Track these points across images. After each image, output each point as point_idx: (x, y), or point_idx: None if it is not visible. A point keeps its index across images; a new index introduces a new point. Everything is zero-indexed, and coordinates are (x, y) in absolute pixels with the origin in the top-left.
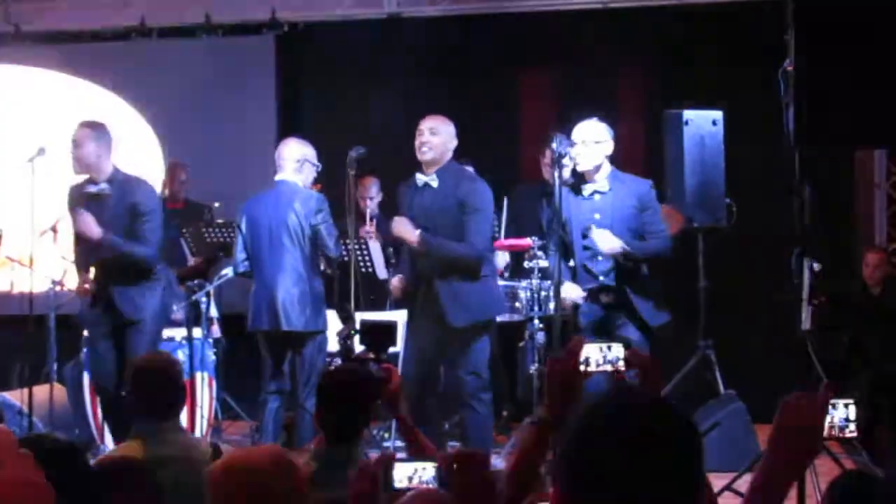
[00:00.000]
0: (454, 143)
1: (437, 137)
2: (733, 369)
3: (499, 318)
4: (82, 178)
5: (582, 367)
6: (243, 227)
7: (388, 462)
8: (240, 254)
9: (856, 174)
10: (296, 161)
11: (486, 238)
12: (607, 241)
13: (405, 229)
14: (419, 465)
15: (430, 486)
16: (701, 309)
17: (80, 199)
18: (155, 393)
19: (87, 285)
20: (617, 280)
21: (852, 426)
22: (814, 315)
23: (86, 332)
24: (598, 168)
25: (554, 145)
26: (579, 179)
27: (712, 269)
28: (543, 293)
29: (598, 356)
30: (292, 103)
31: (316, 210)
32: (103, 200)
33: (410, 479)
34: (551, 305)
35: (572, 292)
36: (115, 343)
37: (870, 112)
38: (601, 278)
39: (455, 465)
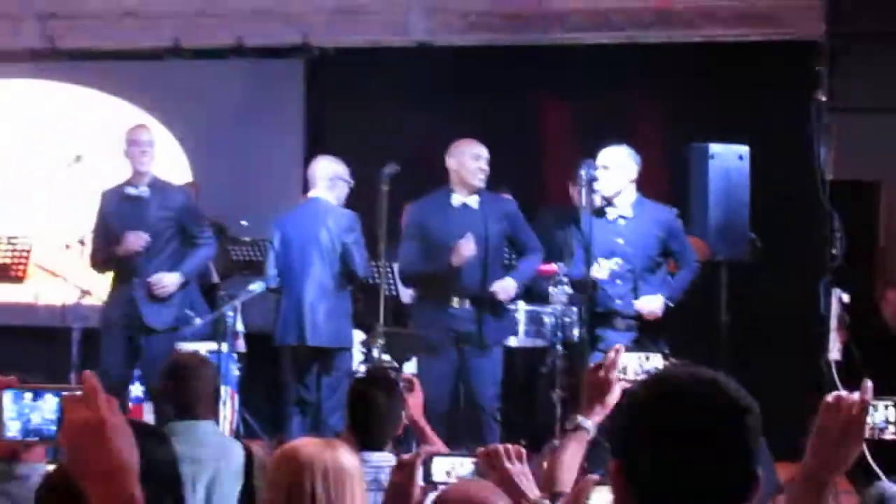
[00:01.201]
0: None
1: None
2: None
3: (522, 343)
4: (113, 182)
5: (620, 376)
6: (276, 242)
7: (427, 456)
8: (271, 269)
9: (881, 211)
10: (328, 179)
11: None
12: (650, 305)
13: (505, 289)
14: (457, 460)
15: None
16: (722, 343)
17: (117, 201)
18: (192, 392)
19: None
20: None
21: (892, 427)
22: (841, 345)
23: None
24: (619, 193)
25: (582, 172)
26: (604, 203)
27: (735, 303)
28: (568, 319)
29: (636, 366)
30: (320, 127)
31: (348, 228)
32: (142, 203)
33: (448, 473)
34: (575, 332)
35: (603, 266)
36: (131, 348)
37: None
38: (618, 301)
39: (493, 460)
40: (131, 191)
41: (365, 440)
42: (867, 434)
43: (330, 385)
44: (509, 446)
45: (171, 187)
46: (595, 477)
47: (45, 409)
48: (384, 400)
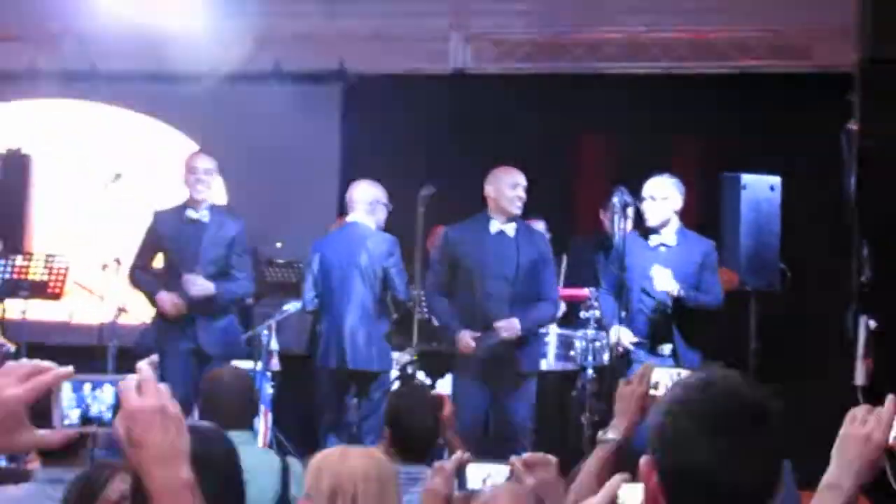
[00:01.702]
0: None
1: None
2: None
3: (552, 367)
4: (154, 202)
5: (652, 391)
6: (315, 266)
7: (462, 463)
8: (309, 292)
9: None
10: (367, 203)
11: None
12: (665, 281)
13: (511, 327)
14: (493, 467)
15: None
16: (751, 371)
17: (176, 224)
18: (228, 403)
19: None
20: (673, 327)
21: None
22: (867, 372)
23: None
24: (665, 223)
25: (615, 199)
26: (646, 229)
27: (764, 332)
28: (598, 343)
29: (668, 381)
30: (355, 151)
31: (388, 253)
32: (202, 227)
33: (484, 480)
34: (605, 356)
35: (623, 336)
36: (189, 366)
37: None
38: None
39: (528, 469)
40: (192, 214)
41: (402, 453)
42: (890, 443)
43: (368, 406)
44: (544, 456)
45: (228, 215)
46: (625, 475)
47: (104, 398)
48: (420, 415)
